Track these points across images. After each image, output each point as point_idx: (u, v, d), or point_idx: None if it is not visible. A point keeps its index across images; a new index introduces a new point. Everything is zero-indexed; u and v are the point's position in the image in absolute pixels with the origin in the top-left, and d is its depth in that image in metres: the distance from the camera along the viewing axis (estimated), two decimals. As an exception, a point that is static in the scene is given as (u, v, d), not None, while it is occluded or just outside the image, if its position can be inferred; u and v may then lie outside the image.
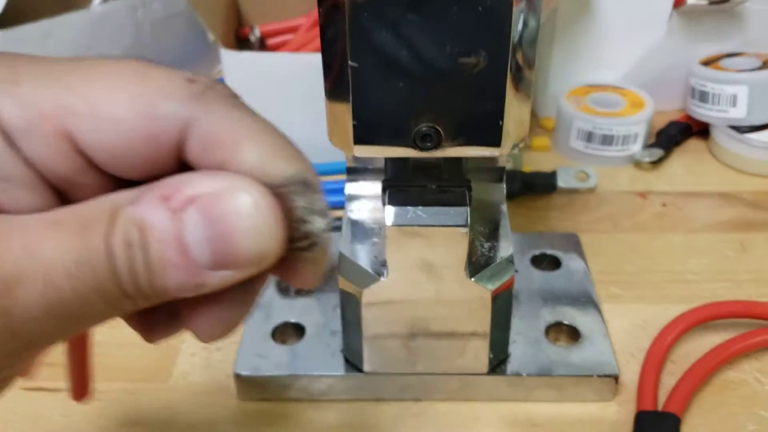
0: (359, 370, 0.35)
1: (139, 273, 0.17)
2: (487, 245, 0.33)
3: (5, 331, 0.16)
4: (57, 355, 0.25)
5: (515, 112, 0.27)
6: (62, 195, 0.19)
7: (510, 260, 0.33)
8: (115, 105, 0.18)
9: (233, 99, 0.19)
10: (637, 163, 0.53)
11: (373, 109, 0.27)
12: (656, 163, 0.53)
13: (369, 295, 0.32)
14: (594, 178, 0.50)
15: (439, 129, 0.27)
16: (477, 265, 0.32)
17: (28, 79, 0.18)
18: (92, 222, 0.17)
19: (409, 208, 0.30)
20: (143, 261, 0.17)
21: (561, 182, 0.50)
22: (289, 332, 0.38)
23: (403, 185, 0.31)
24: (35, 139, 0.18)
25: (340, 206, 0.48)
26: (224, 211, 0.17)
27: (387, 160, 0.33)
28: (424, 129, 0.27)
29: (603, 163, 0.53)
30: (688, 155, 0.54)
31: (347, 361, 0.36)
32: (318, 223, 0.19)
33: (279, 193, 0.18)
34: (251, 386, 0.35)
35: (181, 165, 0.19)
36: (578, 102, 0.54)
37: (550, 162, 0.53)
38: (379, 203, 0.35)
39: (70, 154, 0.18)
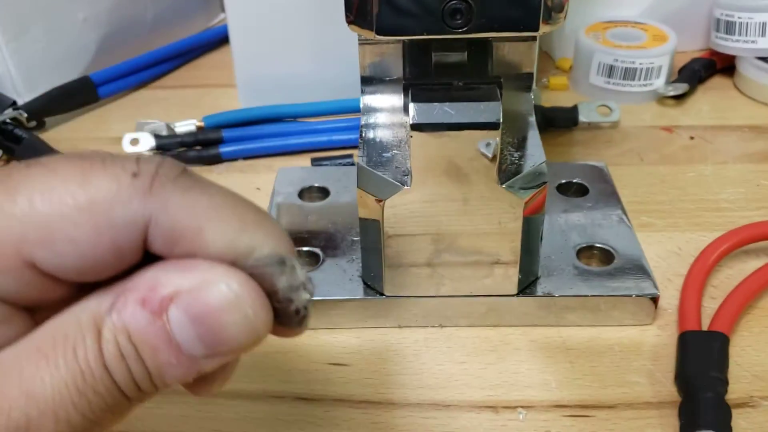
0: (380, 294, 0.33)
1: (140, 380, 0.17)
2: (516, 154, 0.31)
3: None
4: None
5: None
6: (33, 308, 0.19)
7: (542, 169, 0.30)
8: (69, 224, 0.17)
9: (183, 179, 0.18)
10: (660, 100, 0.50)
11: (397, -18, 0.24)
12: (680, 98, 0.50)
13: (392, 206, 0.30)
14: (617, 112, 0.47)
15: (471, 3, 0.24)
16: (508, 173, 0.30)
17: None
18: (78, 342, 0.17)
19: (435, 104, 0.28)
20: (140, 369, 0.17)
21: (582, 116, 0.47)
22: (303, 261, 0.35)
23: (427, 83, 0.29)
24: None
25: (352, 145, 0.46)
26: (207, 308, 0.17)
27: (406, 60, 0.31)
28: (453, 3, 0.24)
29: (625, 99, 0.50)
30: (713, 92, 0.52)
31: (366, 285, 0.33)
32: (303, 296, 0.18)
33: (256, 274, 0.18)
34: (263, 314, 0.33)
35: (146, 251, 0.18)
36: (597, 37, 0.51)
37: (569, 100, 0.50)
38: (398, 116, 0.33)
39: (35, 280, 0.18)
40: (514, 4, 0.25)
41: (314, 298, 0.32)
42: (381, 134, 0.32)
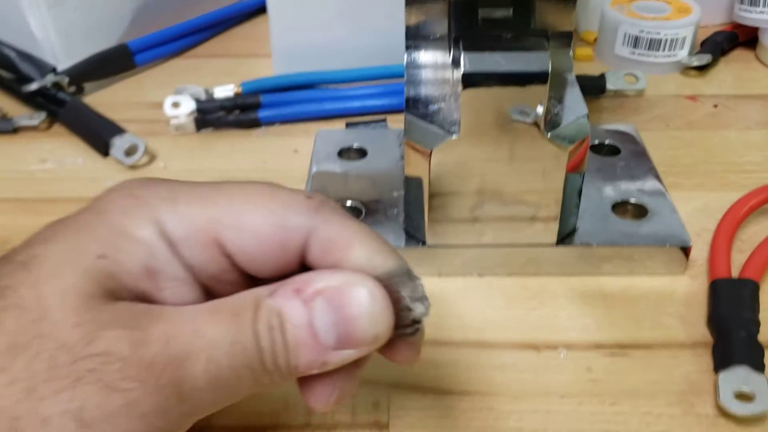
0: (422, 243, 0.34)
1: (278, 351, 0.21)
2: (559, 107, 0.32)
3: (176, 398, 0.20)
4: None
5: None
6: (208, 290, 0.23)
7: (585, 120, 0.32)
8: (255, 218, 0.22)
9: (341, 210, 0.23)
10: (684, 71, 0.52)
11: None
12: (703, 70, 0.52)
13: (438, 155, 0.31)
14: (643, 81, 0.49)
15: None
16: (552, 123, 0.31)
17: (186, 199, 0.22)
18: (241, 311, 0.21)
19: (486, 53, 0.29)
20: (282, 341, 0.20)
21: (610, 84, 0.48)
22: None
23: (476, 34, 0.30)
24: (193, 247, 0.22)
25: (385, 110, 0.47)
26: (346, 301, 0.21)
27: (451, 18, 0.32)
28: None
29: (649, 69, 0.51)
30: (736, 63, 0.53)
31: (408, 234, 0.34)
32: (420, 309, 0.21)
33: (386, 285, 0.21)
34: (311, 261, 0.34)
35: (302, 267, 0.23)
36: (622, 9, 0.52)
37: (594, 70, 0.51)
38: (442, 72, 0.34)
39: (219, 258, 0.22)
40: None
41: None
42: (426, 89, 0.34)
